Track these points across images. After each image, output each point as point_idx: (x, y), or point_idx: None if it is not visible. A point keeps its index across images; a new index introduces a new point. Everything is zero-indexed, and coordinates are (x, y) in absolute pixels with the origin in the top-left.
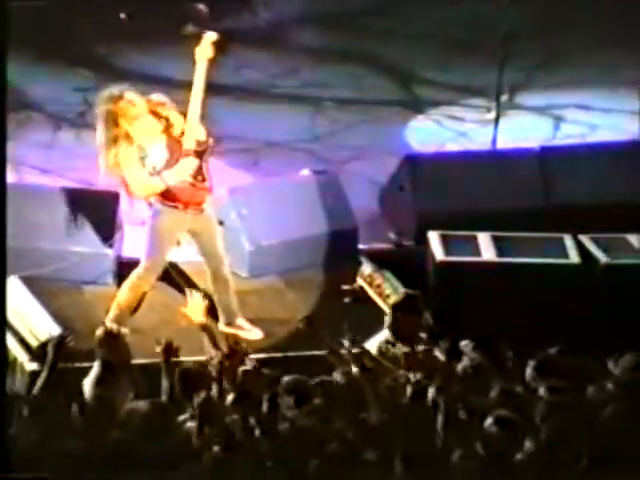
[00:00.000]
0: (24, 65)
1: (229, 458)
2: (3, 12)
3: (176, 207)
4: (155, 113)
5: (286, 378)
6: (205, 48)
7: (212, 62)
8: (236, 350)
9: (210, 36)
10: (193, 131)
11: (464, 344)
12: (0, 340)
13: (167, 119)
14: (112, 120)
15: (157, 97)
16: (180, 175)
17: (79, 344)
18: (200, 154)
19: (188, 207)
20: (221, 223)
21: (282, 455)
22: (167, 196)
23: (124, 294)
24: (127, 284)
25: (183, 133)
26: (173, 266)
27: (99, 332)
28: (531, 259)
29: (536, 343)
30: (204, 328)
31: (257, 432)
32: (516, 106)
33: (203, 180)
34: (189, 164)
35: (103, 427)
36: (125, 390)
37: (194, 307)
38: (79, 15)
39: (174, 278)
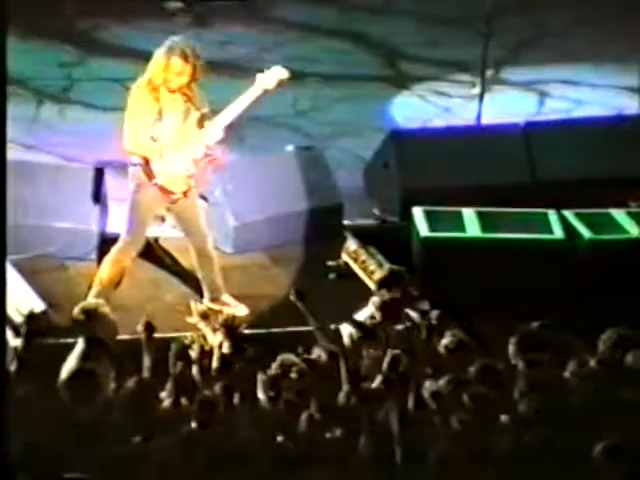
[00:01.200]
0: (8, 42)
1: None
2: (3, 9)
3: (157, 187)
4: (185, 92)
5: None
6: (269, 79)
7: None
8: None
9: (280, 72)
10: (211, 135)
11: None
12: (0, 340)
13: (193, 103)
14: (161, 66)
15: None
16: (175, 169)
17: (63, 320)
18: (203, 159)
19: (169, 195)
20: (205, 199)
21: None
22: (150, 174)
23: (105, 269)
24: (108, 258)
25: (199, 123)
26: (156, 243)
27: (79, 307)
28: (516, 234)
29: (520, 319)
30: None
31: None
32: (501, 81)
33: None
34: (186, 165)
35: (87, 401)
36: (109, 365)
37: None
38: None
39: (157, 255)
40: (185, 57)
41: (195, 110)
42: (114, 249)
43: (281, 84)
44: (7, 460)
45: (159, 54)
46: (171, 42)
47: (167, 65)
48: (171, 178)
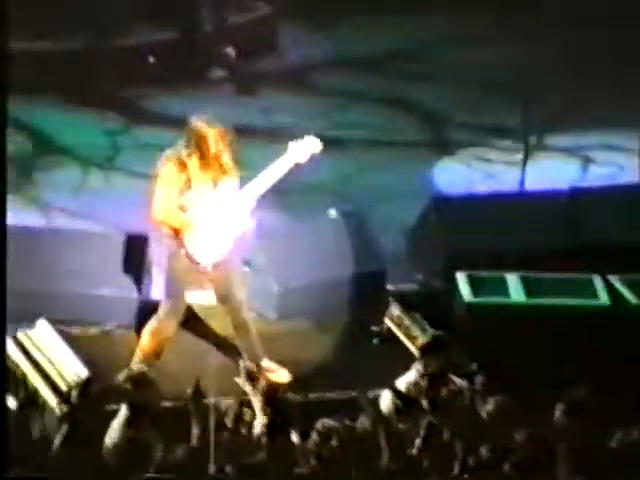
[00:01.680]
0: (53, 110)
1: None
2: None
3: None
4: (217, 161)
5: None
6: (301, 152)
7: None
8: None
9: (313, 144)
10: (244, 205)
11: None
12: (0, 343)
13: (224, 171)
14: (195, 138)
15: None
16: (204, 240)
17: (106, 387)
18: (235, 227)
19: (198, 265)
20: (248, 264)
21: None
22: (180, 243)
23: (146, 339)
24: (148, 328)
25: (230, 191)
26: (191, 312)
27: (124, 374)
28: (560, 300)
29: (565, 385)
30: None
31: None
32: (544, 147)
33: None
34: (216, 235)
35: (135, 468)
36: (153, 432)
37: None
38: (107, 59)
39: (194, 324)
40: (210, 124)
41: (226, 177)
42: (153, 319)
43: (313, 156)
44: None
45: (192, 124)
46: (203, 114)
47: (200, 135)
48: (200, 248)
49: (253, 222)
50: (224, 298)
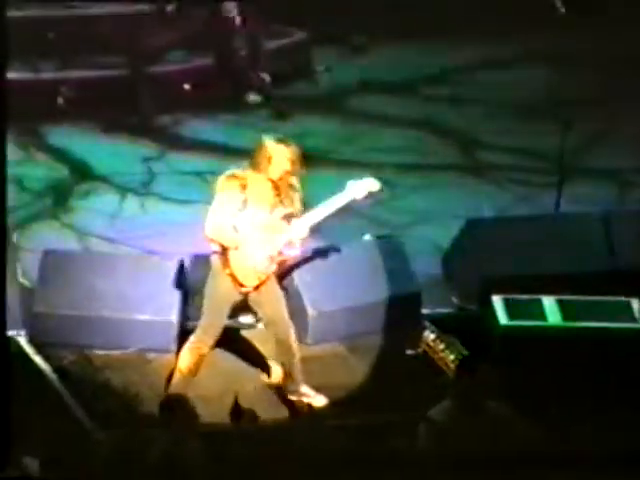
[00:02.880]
0: (88, 137)
1: None
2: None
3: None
4: (280, 184)
5: None
6: (359, 190)
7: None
8: None
9: (372, 184)
10: (296, 233)
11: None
12: (1, 339)
13: (283, 197)
14: (264, 156)
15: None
16: (249, 262)
17: (147, 411)
18: (282, 253)
19: (240, 286)
20: (285, 289)
21: None
22: (226, 263)
23: (184, 358)
24: (186, 347)
25: (286, 219)
26: (237, 333)
27: (163, 399)
28: (597, 323)
29: (603, 409)
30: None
31: None
32: (580, 170)
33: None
34: (262, 259)
35: None
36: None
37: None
38: (142, 86)
39: (238, 345)
40: (285, 142)
41: (284, 206)
42: (192, 337)
43: (371, 195)
44: None
45: (264, 142)
46: (267, 133)
47: (269, 152)
48: (244, 270)
49: (300, 250)
50: (268, 321)
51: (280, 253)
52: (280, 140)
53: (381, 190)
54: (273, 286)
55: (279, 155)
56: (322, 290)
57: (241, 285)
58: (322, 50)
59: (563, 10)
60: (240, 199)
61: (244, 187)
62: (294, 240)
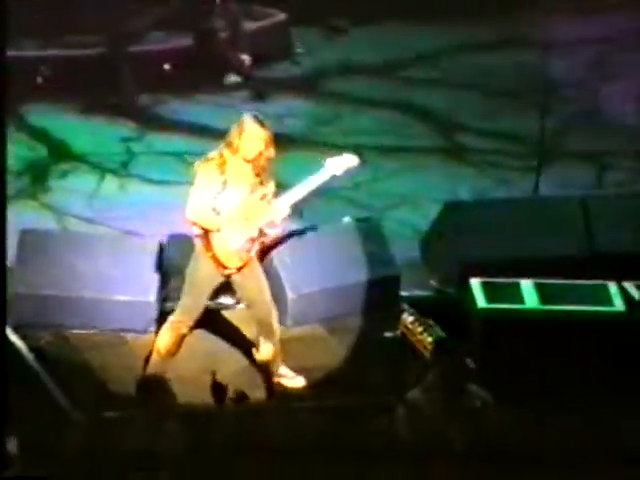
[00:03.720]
0: (68, 117)
1: None
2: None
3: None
4: (257, 164)
5: None
6: (338, 166)
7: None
8: None
9: (350, 160)
10: (277, 213)
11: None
12: (0, 340)
13: (262, 178)
14: (242, 135)
15: (268, 152)
16: (232, 244)
17: (125, 392)
18: (263, 234)
19: (223, 268)
20: (264, 272)
21: None
22: (208, 246)
23: (163, 338)
24: (165, 326)
25: (264, 199)
26: (218, 314)
27: (139, 380)
28: (575, 307)
29: (579, 392)
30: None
31: None
32: (559, 153)
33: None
34: (243, 241)
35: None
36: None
37: (265, 353)
38: (123, 66)
39: (218, 326)
40: (260, 123)
41: (262, 186)
42: (171, 317)
43: (349, 170)
44: None
45: (242, 121)
46: (246, 112)
47: (242, 131)
48: (227, 252)
49: (281, 230)
50: (251, 303)
51: (261, 233)
52: (255, 119)
53: (359, 165)
54: (255, 267)
55: (253, 134)
56: (301, 272)
57: (224, 267)
58: (302, 31)
59: None
60: (219, 181)
61: (223, 169)
62: (275, 220)
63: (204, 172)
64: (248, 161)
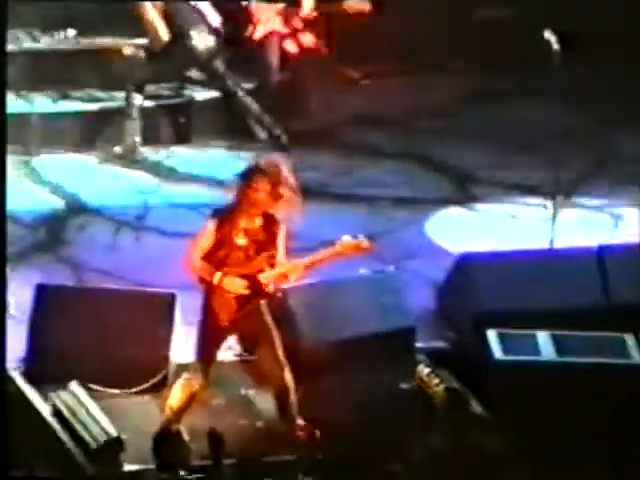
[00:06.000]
0: (84, 169)
1: None
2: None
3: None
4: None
5: None
6: (349, 248)
7: None
8: None
9: (363, 243)
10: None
11: None
12: (0, 344)
13: (268, 232)
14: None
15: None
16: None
17: (138, 447)
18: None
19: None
20: (278, 321)
21: None
22: (210, 296)
23: (175, 395)
24: (178, 384)
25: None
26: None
27: (155, 433)
28: (592, 359)
29: (598, 445)
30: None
31: None
32: (573, 204)
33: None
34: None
35: None
36: None
37: None
38: (138, 118)
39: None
40: (264, 173)
41: (266, 243)
42: (184, 374)
43: (360, 252)
44: None
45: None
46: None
47: (249, 184)
48: (226, 300)
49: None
50: (264, 358)
51: (262, 289)
52: (267, 161)
53: (370, 249)
54: (265, 321)
55: (261, 173)
56: (316, 322)
57: (224, 315)
58: (317, 84)
59: (557, 47)
60: (219, 235)
61: (224, 224)
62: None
63: (206, 227)
64: (255, 214)
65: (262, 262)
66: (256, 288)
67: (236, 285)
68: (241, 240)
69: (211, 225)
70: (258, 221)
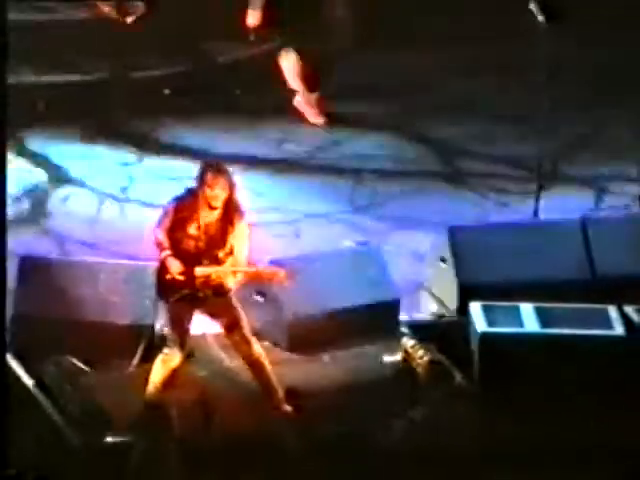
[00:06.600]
0: (67, 142)
1: None
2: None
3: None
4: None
5: None
6: (267, 275)
7: None
8: None
9: (279, 272)
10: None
11: None
12: (0, 342)
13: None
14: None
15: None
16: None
17: (124, 419)
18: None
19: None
20: (263, 295)
21: None
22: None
23: (156, 370)
24: (158, 359)
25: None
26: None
27: (141, 408)
28: (575, 330)
29: (580, 415)
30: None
31: None
32: (558, 177)
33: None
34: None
35: None
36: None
37: None
38: (123, 91)
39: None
40: (219, 170)
41: (218, 239)
42: (164, 349)
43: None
44: None
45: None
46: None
47: (204, 182)
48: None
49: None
50: (229, 328)
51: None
52: (214, 167)
53: (284, 280)
54: (231, 303)
55: (215, 184)
56: (300, 296)
57: (183, 286)
58: None
59: (542, 18)
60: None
61: (182, 210)
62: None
63: (169, 206)
64: (214, 208)
65: (208, 255)
66: (190, 278)
67: (174, 268)
68: (193, 230)
69: (170, 208)
70: (215, 215)
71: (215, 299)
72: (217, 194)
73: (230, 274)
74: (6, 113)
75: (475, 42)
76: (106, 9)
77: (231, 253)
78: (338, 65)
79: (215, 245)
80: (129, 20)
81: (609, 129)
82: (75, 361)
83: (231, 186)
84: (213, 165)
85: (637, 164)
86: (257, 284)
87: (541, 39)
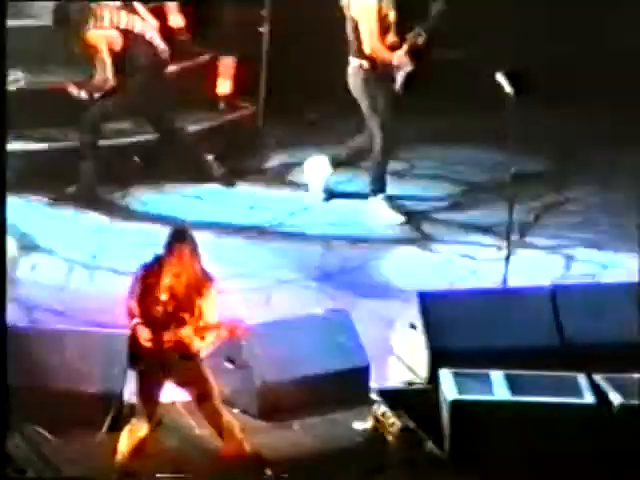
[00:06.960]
0: (36, 208)
1: None
2: None
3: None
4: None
5: None
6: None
7: None
8: None
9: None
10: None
11: None
12: (1, 340)
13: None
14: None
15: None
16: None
17: None
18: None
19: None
20: (232, 362)
21: None
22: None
23: (124, 439)
24: (126, 429)
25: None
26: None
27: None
28: (545, 398)
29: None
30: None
31: None
32: (527, 245)
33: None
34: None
35: None
36: None
37: None
38: (92, 158)
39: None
40: (184, 238)
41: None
42: (132, 419)
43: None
44: None
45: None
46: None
47: (170, 249)
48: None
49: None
50: (200, 399)
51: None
52: (182, 234)
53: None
54: (200, 373)
55: (180, 248)
56: (270, 362)
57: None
58: (273, 124)
59: (511, 91)
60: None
61: (151, 277)
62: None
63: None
64: (179, 275)
65: (175, 319)
66: (159, 343)
67: (143, 336)
68: (162, 296)
69: (139, 275)
70: (182, 281)
71: (184, 364)
72: (182, 262)
73: (196, 336)
74: (6, 113)
75: (446, 113)
76: (74, 91)
77: (200, 317)
78: (311, 134)
79: (183, 309)
80: (97, 96)
81: (576, 197)
82: (41, 430)
83: (196, 254)
84: (178, 232)
85: (604, 232)
86: (226, 349)
87: (509, 109)
